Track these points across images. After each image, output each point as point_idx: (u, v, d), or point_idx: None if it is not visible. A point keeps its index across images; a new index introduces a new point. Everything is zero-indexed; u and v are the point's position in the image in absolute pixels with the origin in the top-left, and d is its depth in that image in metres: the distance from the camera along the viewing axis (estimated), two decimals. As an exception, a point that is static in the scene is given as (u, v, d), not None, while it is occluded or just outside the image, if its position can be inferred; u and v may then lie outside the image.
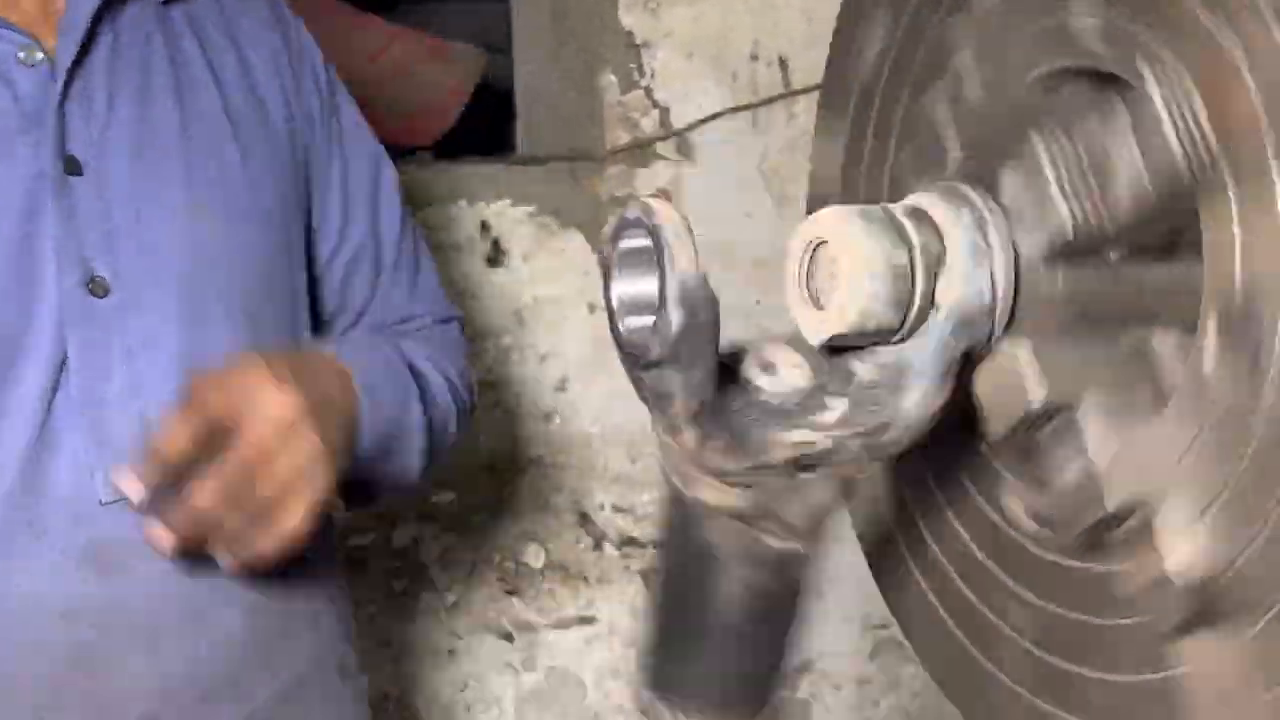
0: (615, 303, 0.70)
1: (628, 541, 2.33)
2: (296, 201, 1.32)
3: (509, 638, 2.31)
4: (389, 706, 2.27)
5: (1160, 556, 0.66)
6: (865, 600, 2.34)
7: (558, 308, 2.28)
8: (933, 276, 0.71)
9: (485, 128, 2.53)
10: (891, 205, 0.72)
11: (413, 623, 2.28)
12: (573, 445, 2.33)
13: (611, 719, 2.35)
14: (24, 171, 1.09)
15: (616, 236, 0.70)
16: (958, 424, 0.79)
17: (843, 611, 2.39)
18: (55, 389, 1.09)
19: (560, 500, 2.33)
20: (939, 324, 0.71)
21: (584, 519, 2.34)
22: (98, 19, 1.16)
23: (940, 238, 0.71)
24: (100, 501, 1.10)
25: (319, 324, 1.38)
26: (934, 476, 0.90)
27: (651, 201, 0.67)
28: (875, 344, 0.72)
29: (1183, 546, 0.66)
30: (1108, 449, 0.69)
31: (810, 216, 0.70)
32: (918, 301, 0.71)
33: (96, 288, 1.11)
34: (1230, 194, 0.63)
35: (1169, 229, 0.69)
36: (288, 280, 1.30)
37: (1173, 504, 0.67)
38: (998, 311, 0.72)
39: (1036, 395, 0.70)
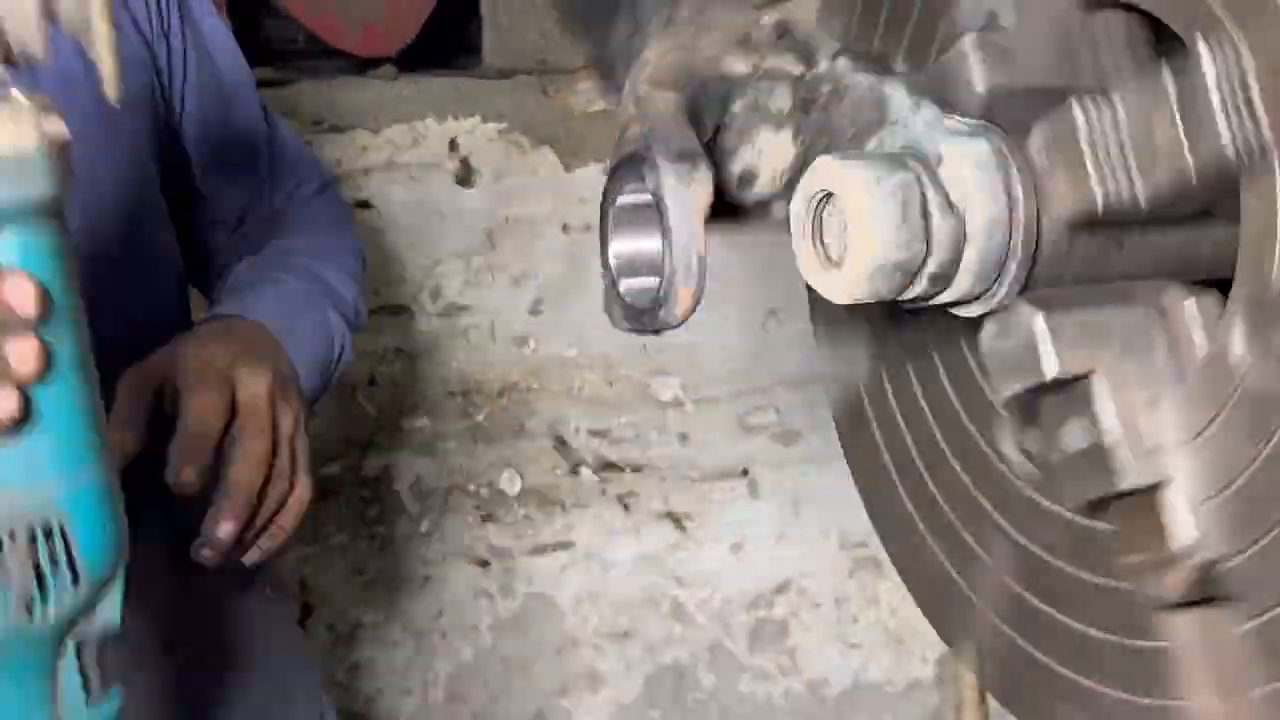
0: (613, 262, 0.70)
1: (605, 466, 2.35)
2: (150, 113, 1.28)
3: (485, 564, 2.34)
4: (364, 636, 2.30)
5: (1166, 532, 0.66)
6: (842, 521, 2.37)
7: (531, 227, 2.26)
8: (947, 267, 0.69)
9: (450, 36, 2.47)
10: (908, 152, 0.70)
11: (386, 552, 2.31)
12: (548, 369, 2.34)
13: (590, 644, 2.39)
14: None
15: (614, 190, 0.70)
16: (958, 337, 0.80)
17: (820, 531, 2.43)
18: None
19: (535, 425, 2.33)
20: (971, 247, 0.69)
21: (560, 443, 2.35)
22: None
23: (961, 227, 0.69)
24: None
25: (201, 226, 1.37)
26: (927, 398, 0.90)
27: (656, 162, 0.67)
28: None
29: (1189, 526, 0.66)
30: (1121, 423, 0.68)
31: (814, 165, 0.68)
32: (920, 288, 0.69)
33: None
34: (1278, 177, 0.60)
35: (1205, 202, 0.68)
36: (138, 205, 1.27)
37: (1185, 482, 0.66)
38: (1013, 272, 0.70)
39: (1049, 367, 0.67)
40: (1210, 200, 0.67)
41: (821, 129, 0.73)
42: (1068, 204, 0.68)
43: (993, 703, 2.30)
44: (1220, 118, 0.60)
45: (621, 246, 0.71)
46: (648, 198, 0.68)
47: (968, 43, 0.69)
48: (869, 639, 2.46)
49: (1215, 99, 0.60)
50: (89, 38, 0.77)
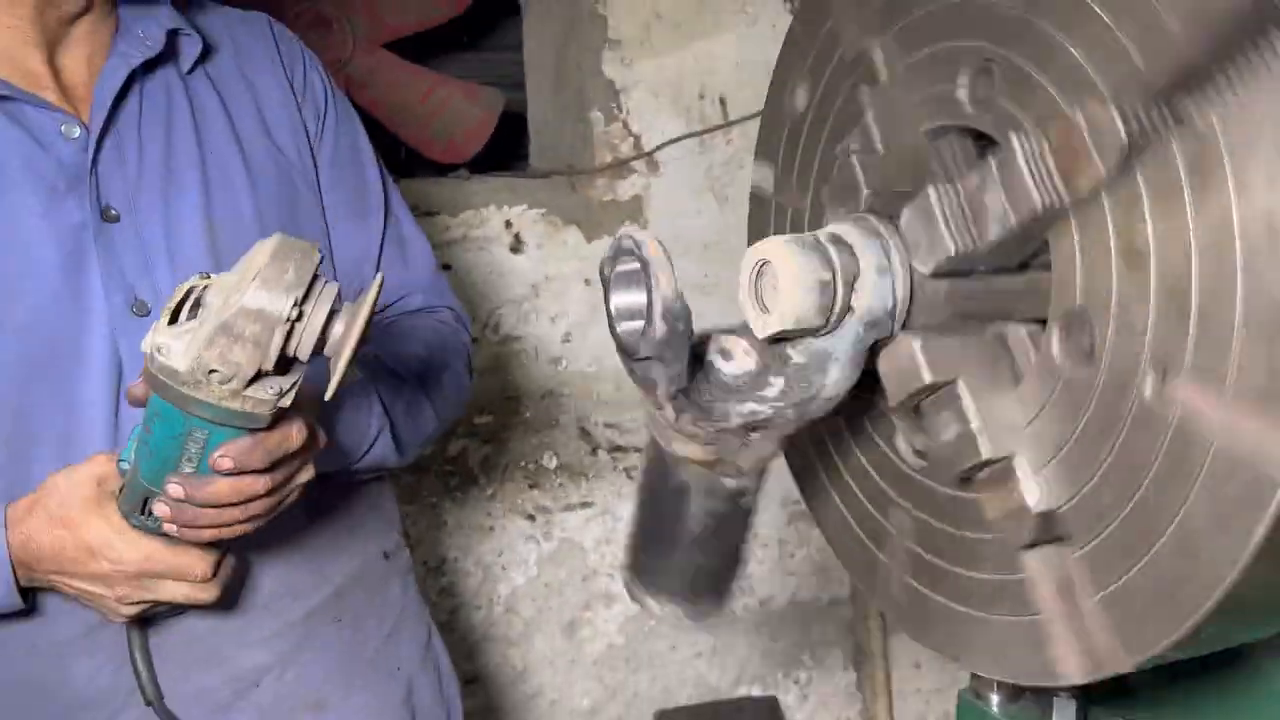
0: (614, 311, 0.75)
1: (616, 448, 2.63)
2: (304, 211, 1.32)
3: (531, 518, 2.60)
4: (447, 568, 2.54)
5: (1018, 493, 0.73)
6: (784, 486, 2.35)
7: (562, 282, 2.54)
8: (850, 288, 0.76)
9: (506, 149, 2.77)
10: (819, 233, 0.76)
11: (462, 509, 2.53)
12: (575, 380, 2.55)
13: (605, 573, 2.70)
14: (69, 223, 1.12)
15: (613, 261, 0.77)
16: (869, 387, 0.84)
17: (768, 493, 2.51)
18: (119, 390, 1.13)
19: (567, 419, 2.59)
20: (853, 324, 0.76)
21: (584, 433, 2.61)
22: (126, 89, 1.19)
23: (856, 260, 0.76)
24: None
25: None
26: (846, 422, 0.98)
27: (640, 237, 0.73)
28: (805, 336, 0.78)
29: (1033, 487, 0.72)
30: (979, 414, 0.75)
31: (757, 244, 0.77)
32: (838, 306, 0.75)
33: (139, 308, 1.14)
34: (1073, 227, 0.68)
35: (1025, 251, 0.76)
36: None
37: (1026, 455, 0.73)
38: (898, 313, 0.77)
39: (925, 376, 0.75)
40: (1028, 248, 0.74)
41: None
42: (930, 257, 0.76)
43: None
44: (1030, 185, 0.69)
45: (619, 300, 0.76)
46: (636, 266, 0.73)
47: (855, 160, 0.81)
48: (801, 569, 2.76)
49: (1026, 173, 0.69)
50: (336, 359, 0.83)
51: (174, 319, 0.86)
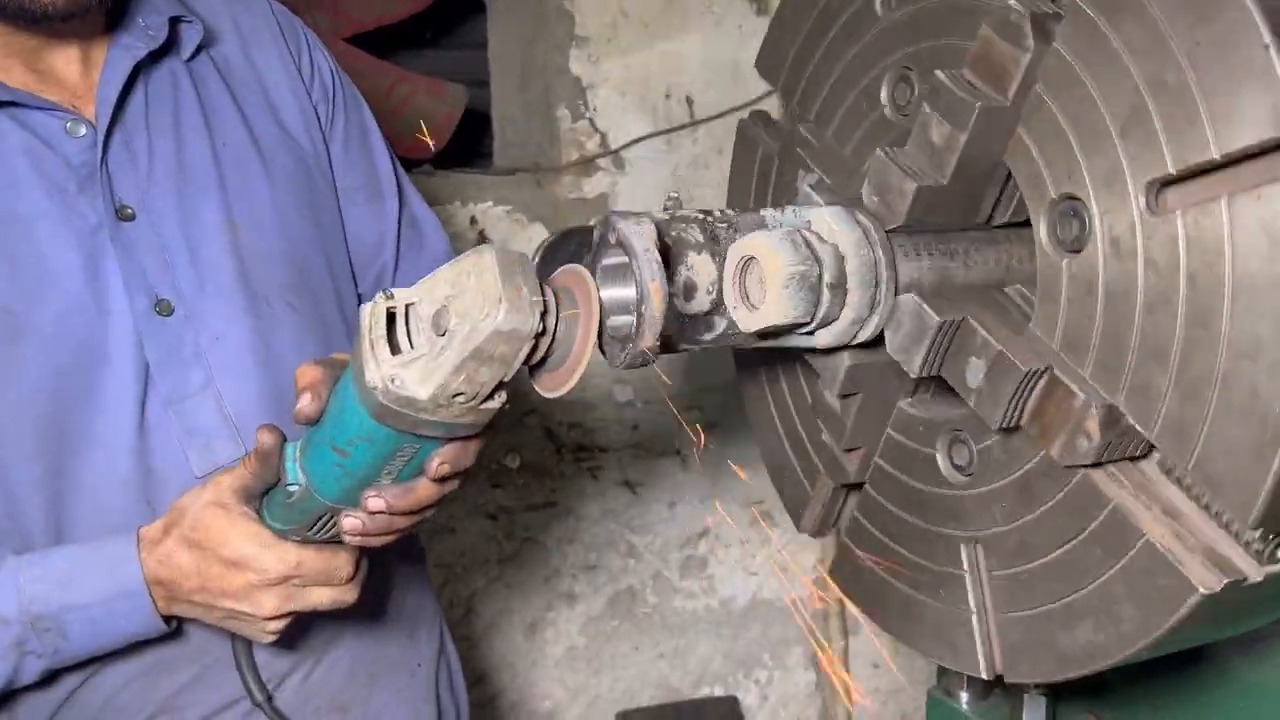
0: (603, 306, 0.81)
1: (579, 448, 2.64)
2: (321, 198, 1.31)
3: (493, 518, 2.60)
4: None
5: (1070, 406, 0.79)
6: (746, 489, 2.67)
7: None
8: (840, 288, 0.84)
9: (469, 147, 2.75)
10: (805, 231, 0.84)
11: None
12: None
13: (568, 574, 2.69)
14: (85, 225, 1.11)
15: (598, 255, 0.82)
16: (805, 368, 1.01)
17: (731, 495, 2.72)
18: (145, 391, 1.13)
19: (531, 419, 2.60)
20: (842, 324, 0.87)
21: (548, 433, 2.63)
22: (131, 82, 1.17)
23: (837, 249, 0.86)
24: (195, 476, 1.15)
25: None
26: (793, 395, 1.14)
27: (631, 234, 0.79)
28: (791, 333, 0.87)
29: (1081, 384, 0.79)
30: (999, 341, 0.82)
31: (745, 238, 0.84)
32: (824, 305, 0.84)
33: (163, 308, 1.14)
34: (1022, 133, 0.81)
35: (986, 179, 0.87)
36: (325, 268, 1.29)
37: (1062, 363, 0.80)
38: (884, 283, 0.87)
39: (932, 318, 0.85)
40: (987, 172, 0.85)
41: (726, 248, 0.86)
42: (900, 200, 0.86)
43: (850, 610, 2.56)
44: (963, 96, 0.82)
45: (606, 294, 0.81)
46: (623, 259, 0.79)
47: (807, 181, 0.97)
48: (763, 569, 2.78)
49: (955, 91, 0.82)
50: (575, 362, 0.83)
51: (392, 345, 0.86)
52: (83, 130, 1.12)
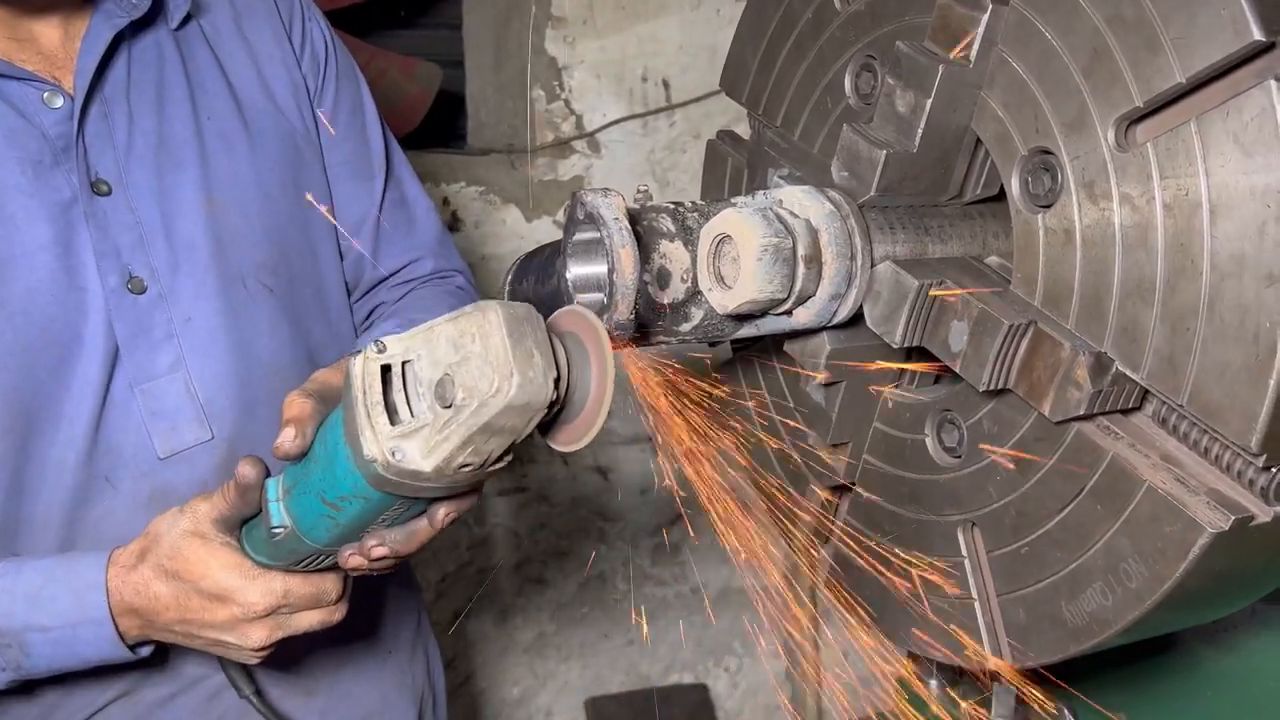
0: (570, 283, 0.82)
1: None
2: (307, 174, 1.27)
3: None
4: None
5: (1056, 347, 0.79)
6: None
7: (500, 262, 2.53)
8: (816, 262, 0.84)
9: (443, 128, 2.73)
10: (777, 208, 0.85)
11: None
12: None
13: (539, 560, 2.70)
14: (58, 199, 1.08)
15: (569, 229, 0.81)
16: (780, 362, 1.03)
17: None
18: (113, 370, 1.11)
19: None
20: (820, 301, 0.86)
21: None
22: (113, 52, 1.14)
23: (810, 222, 0.85)
24: (159, 458, 1.14)
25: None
26: (769, 384, 1.19)
27: (601, 205, 0.78)
28: (767, 314, 0.86)
29: (1066, 335, 0.79)
30: (979, 298, 0.82)
31: (717, 216, 0.85)
32: (800, 281, 0.83)
33: (135, 285, 1.12)
34: (988, 99, 0.84)
35: (953, 141, 0.88)
36: (307, 248, 1.27)
37: (1045, 315, 0.80)
38: (859, 254, 0.87)
39: (911, 282, 0.86)
40: (954, 135, 0.86)
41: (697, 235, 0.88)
42: (870, 170, 0.86)
43: (822, 597, 2.67)
44: (925, 62, 0.85)
45: (577, 271, 0.82)
46: (594, 235, 0.78)
47: (777, 175, 1.00)
48: (734, 557, 2.72)
49: (917, 59, 0.84)
50: (592, 416, 0.80)
51: (389, 407, 0.81)
52: (60, 101, 1.10)
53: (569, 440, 0.83)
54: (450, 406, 0.76)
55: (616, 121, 2.63)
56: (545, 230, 2.59)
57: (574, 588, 2.74)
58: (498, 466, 0.83)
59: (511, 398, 0.73)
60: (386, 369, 0.80)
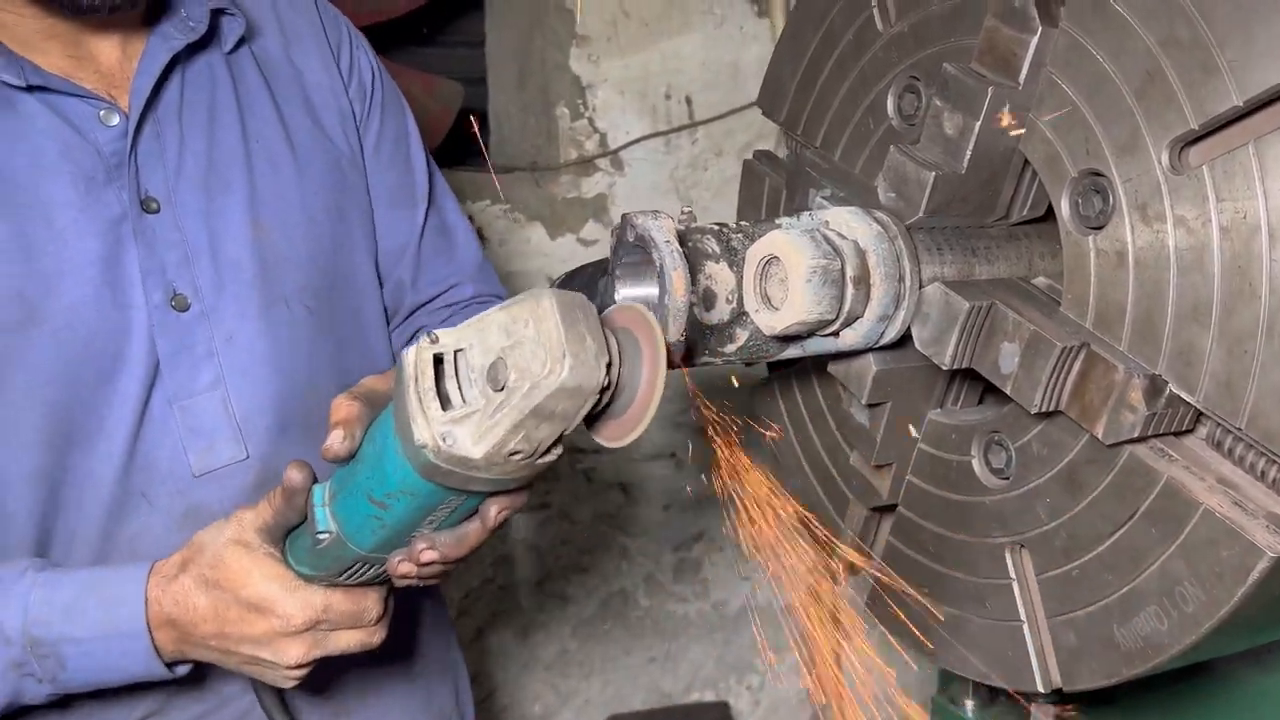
0: (621, 302, 0.83)
1: (575, 450, 2.65)
2: (352, 200, 1.30)
3: None
4: None
5: (1110, 369, 0.78)
6: None
7: (525, 279, 2.53)
8: (865, 283, 0.83)
9: (464, 146, 2.61)
10: (824, 229, 0.85)
11: None
12: None
13: (561, 576, 2.70)
14: (108, 214, 1.10)
15: (617, 251, 0.84)
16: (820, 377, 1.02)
17: (717, 500, 2.80)
18: (152, 386, 1.12)
19: None
20: (868, 321, 0.86)
21: None
22: (168, 72, 1.16)
23: (857, 243, 0.85)
24: (195, 475, 1.14)
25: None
26: (807, 402, 1.15)
27: (651, 229, 0.78)
28: (815, 335, 0.86)
29: (1120, 358, 0.78)
30: (1031, 321, 0.82)
31: (764, 238, 0.85)
32: (849, 301, 0.83)
33: (179, 303, 1.13)
34: (1036, 121, 0.83)
35: (1002, 165, 0.88)
36: (349, 272, 1.29)
37: (1099, 337, 0.80)
38: (908, 276, 0.87)
39: (962, 305, 0.86)
40: (1003, 158, 0.86)
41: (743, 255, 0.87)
42: (918, 192, 0.86)
43: (844, 616, 2.66)
44: (973, 85, 0.84)
45: (626, 293, 0.85)
46: (642, 257, 0.80)
47: (820, 195, 0.97)
48: (756, 574, 2.73)
49: (966, 81, 0.85)
50: (641, 412, 0.81)
51: (440, 396, 0.81)
52: (116, 119, 1.12)
53: (616, 435, 0.83)
54: (502, 389, 0.76)
55: (640, 139, 2.64)
56: (569, 248, 2.60)
57: (596, 604, 2.74)
58: (548, 458, 0.83)
59: (564, 379, 0.73)
60: (439, 360, 0.81)
